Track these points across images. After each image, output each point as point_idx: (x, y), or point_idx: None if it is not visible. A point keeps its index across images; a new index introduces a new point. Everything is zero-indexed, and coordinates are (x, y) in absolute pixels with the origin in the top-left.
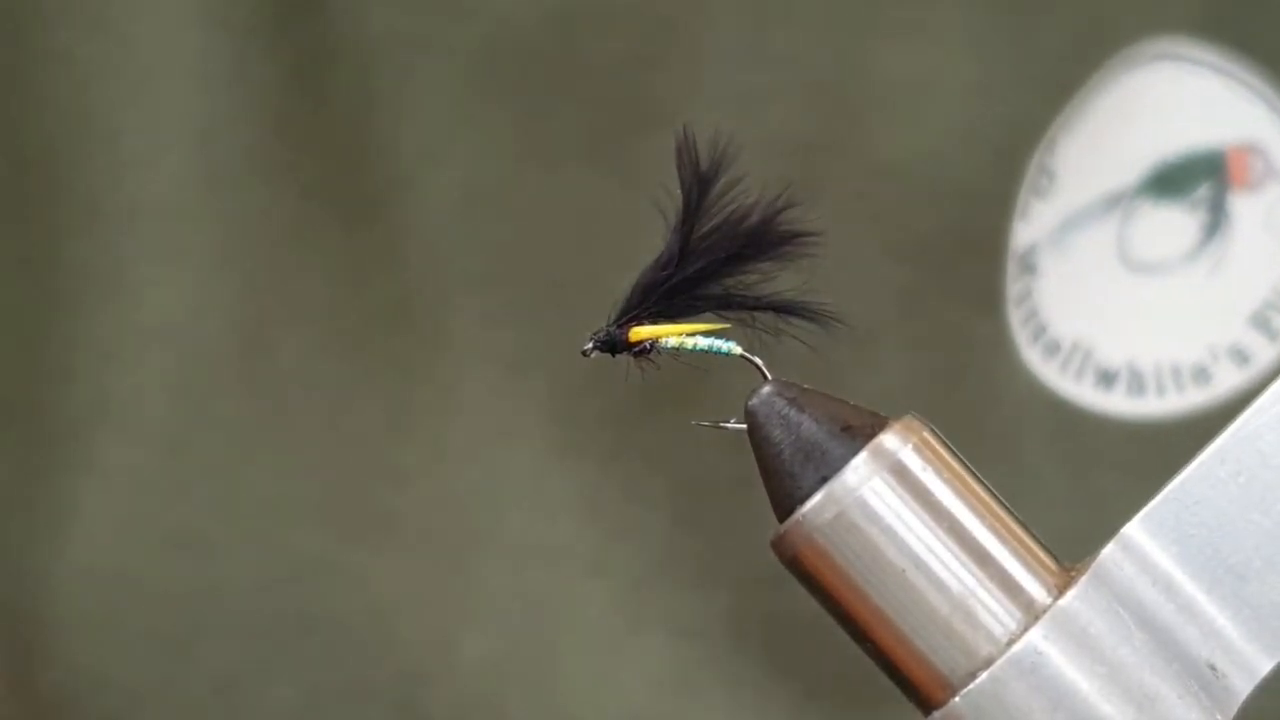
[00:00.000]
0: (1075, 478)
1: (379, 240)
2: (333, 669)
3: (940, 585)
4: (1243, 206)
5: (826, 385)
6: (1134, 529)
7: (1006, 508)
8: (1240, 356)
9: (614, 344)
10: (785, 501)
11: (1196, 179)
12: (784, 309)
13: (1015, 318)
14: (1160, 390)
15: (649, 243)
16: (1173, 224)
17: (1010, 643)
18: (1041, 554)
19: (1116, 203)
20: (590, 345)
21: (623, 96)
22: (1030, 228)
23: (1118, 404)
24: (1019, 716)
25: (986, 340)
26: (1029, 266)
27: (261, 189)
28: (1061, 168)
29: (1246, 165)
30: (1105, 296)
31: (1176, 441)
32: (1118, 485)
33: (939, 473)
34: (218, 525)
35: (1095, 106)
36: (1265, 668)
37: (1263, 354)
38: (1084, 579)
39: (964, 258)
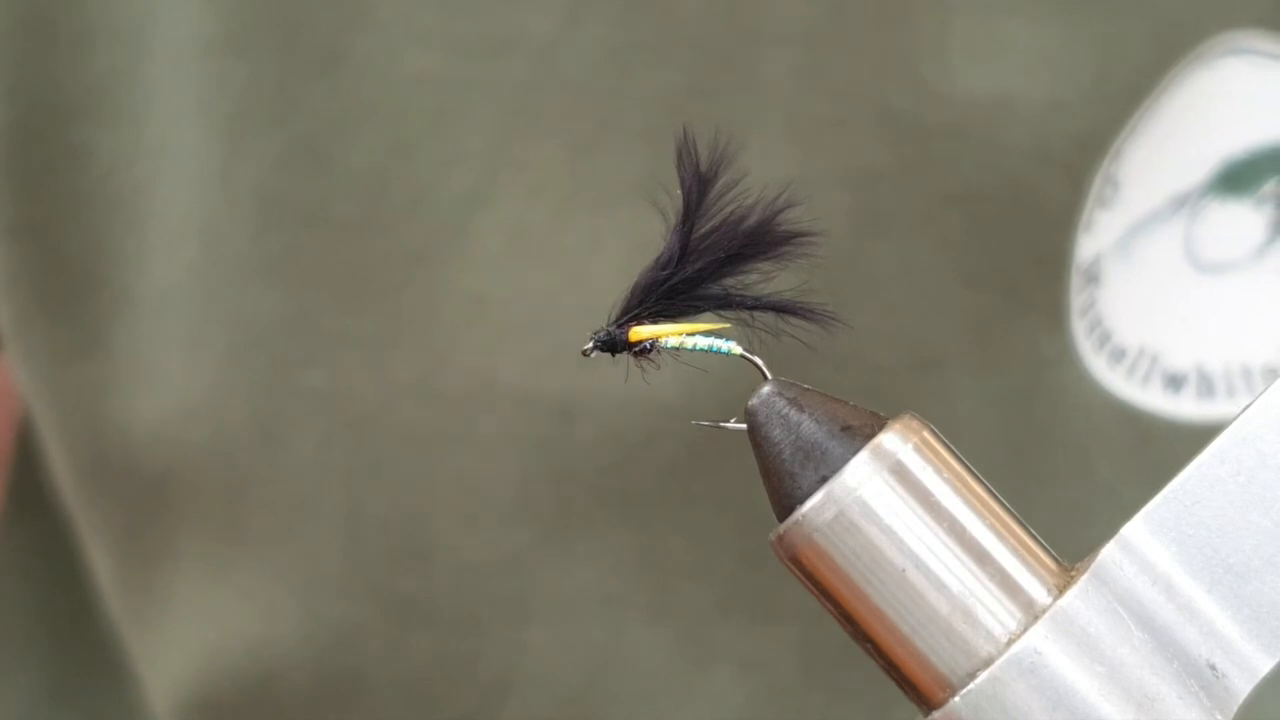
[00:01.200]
0: (1147, 484)
1: (398, 317)
2: None
3: (940, 585)
4: None
5: (892, 410)
6: (1134, 529)
7: (1006, 507)
8: None
9: (614, 343)
10: (785, 501)
11: (1264, 175)
12: (784, 309)
13: (1079, 329)
14: (1230, 391)
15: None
16: (1240, 222)
17: (1010, 643)
18: (1041, 554)
19: (1182, 204)
20: (590, 345)
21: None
22: (1095, 239)
23: (1186, 408)
24: (1018, 716)
25: (1053, 355)
26: (1093, 277)
27: (261, 280)
28: (1126, 176)
29: None
30: (1172, 300)
31: None
32: None
33: (939, 472)
34: (263, 600)
35: (1163, 110)
36: (1265, 667)
37: None
38: (1084, 579)
39: (1033, 277)
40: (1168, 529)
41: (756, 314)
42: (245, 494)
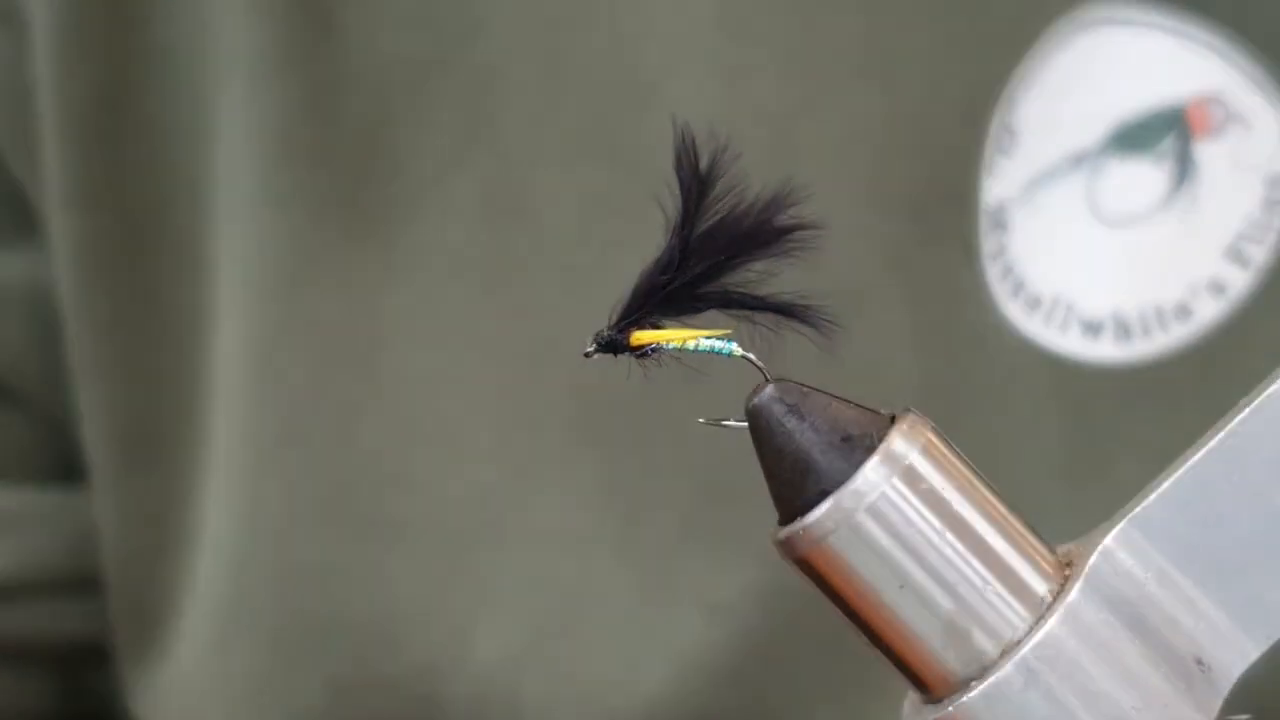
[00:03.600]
0: (1070, 425)
1: (395, 253)
2: (354, 667)
3: (948, 588)
4: (1208, 153)
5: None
6: (1129, 527)
7: (1007, 503)
8: (1218, 288)
9: (615, 346)
10: (787, 508)
11: (1159, 133)
12: (784, 310)
13: (992, 272)
14: (1145, 332)
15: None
16: (1141, 176)
17: (1016, 644)
18: (1043, 550)
19: (1082, 160)
20: (592, 347)
21: (611, 82)
22: (998, 184)
23: (1105, 350)
24: (1024, 716)
25: (970, 292)
26: (1000, 223)
27: (273, 215)
28: (1023, 126)
29: (1207, 114)
30: (1081, 250)
31: (1164, 375)
32: (1112, 425)
33: (946, 475)
34: (235, 534)
35: (1050, 66)
36: (1252, 656)
37: (1239, 282)
38: (1082, 578)
39: (942, 211)
40: (1160, 528)
41: (757, 313)
42: (235, 427)
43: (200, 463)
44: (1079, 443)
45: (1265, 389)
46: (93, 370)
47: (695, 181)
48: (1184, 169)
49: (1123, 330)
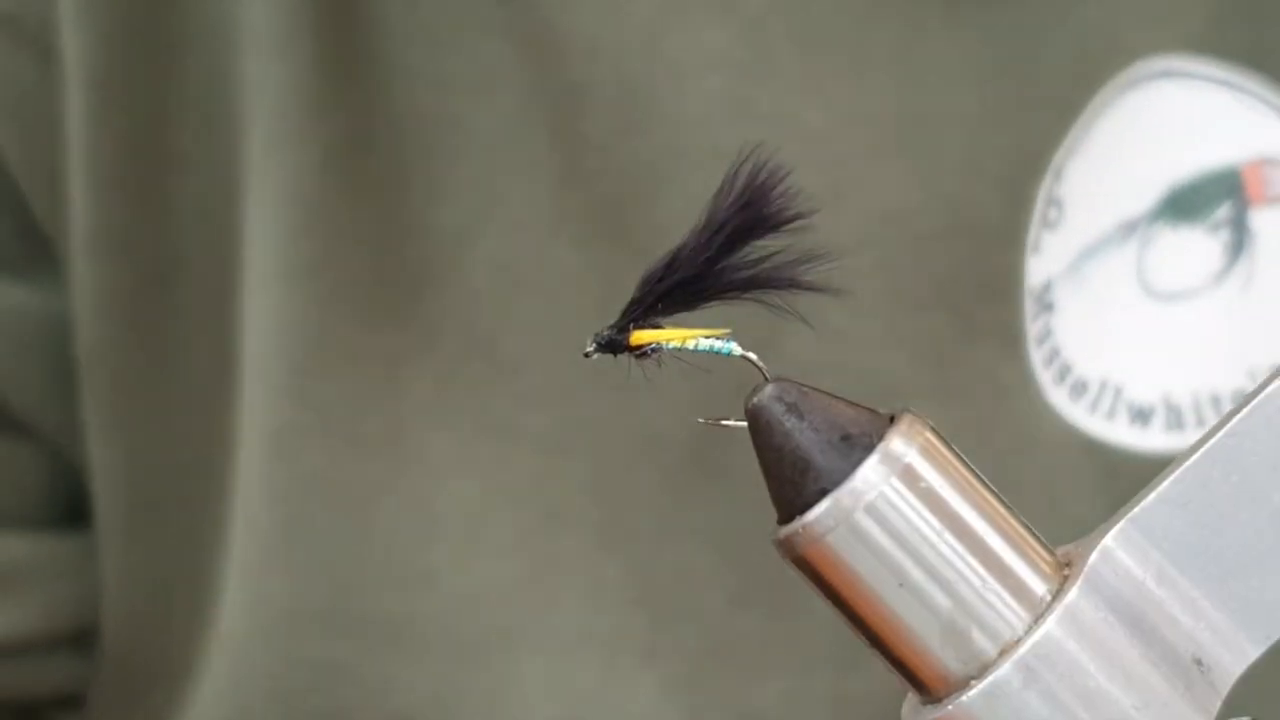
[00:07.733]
0: None
1: (412, 330)
2: None
3: (947, 588)
4: (1266, 222)
5: None
6: (1128, 526)
7: (1005, 503)
8: None
9: (615, 346)
10: (786, 508)
11: (1214, 199)
12: (782, 287)
13: (1037, 358)
14: (1200, 421)
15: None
16: (1195, 247)
17: (1016, 642)
18: (1042, 550)
19: (1133, 230)
20: (591, 347)
21: (615, 167)
22: (1044, 262)
23: (1156, 440)
24: (1022, 715)
25: (1013, 384)
26: (1046, 304)
27: (292, 291)
28: (1070, 197)
29: (1263, 180)
30: (1131, 329)
31: None
32: None
33: (944, 473)
34: (235, 628)
35: (1100, 130)
36: (1252, 656)
37: None
38: (1081, 578)
39: (982, 299)
40: (1159, 527)
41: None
42: (246, 515)
43: (219, 540)
44: None
45: (1264, 388)
46: (108, 427)
47: (739, 205)
48: (1240, 239)
49: (1175, 417)
